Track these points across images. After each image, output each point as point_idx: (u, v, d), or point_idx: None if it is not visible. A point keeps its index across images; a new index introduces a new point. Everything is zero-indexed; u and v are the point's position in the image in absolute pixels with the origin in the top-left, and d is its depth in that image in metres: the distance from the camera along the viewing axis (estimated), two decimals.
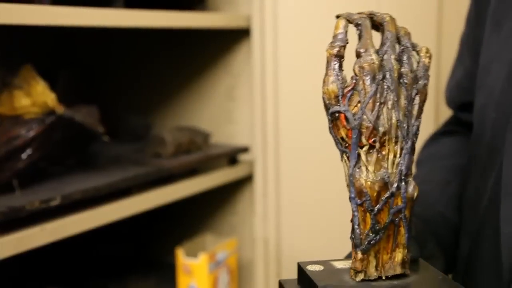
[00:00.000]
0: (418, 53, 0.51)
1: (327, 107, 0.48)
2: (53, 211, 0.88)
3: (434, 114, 1.17)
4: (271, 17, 1.21)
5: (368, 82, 0.47)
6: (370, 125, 0.47)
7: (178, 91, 1.38)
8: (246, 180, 1.30)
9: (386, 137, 0.48)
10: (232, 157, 1.26)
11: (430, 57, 0.51)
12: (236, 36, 1.27)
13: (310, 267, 0.51)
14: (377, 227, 0.48)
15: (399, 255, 0.50)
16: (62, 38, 1.43)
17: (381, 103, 0.47)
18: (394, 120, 0.48)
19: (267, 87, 1.23)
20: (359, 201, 0.48)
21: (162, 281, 1.29)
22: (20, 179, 0.91)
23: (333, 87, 0.48)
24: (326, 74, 0.48)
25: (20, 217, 0.84)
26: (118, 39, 1.39)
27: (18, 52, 1.27)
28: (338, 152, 0.49)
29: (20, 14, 0.83)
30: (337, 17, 0.51)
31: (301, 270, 0.52)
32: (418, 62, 0.51)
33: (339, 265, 0.53)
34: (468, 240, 0.66)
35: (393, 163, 0.48)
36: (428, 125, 1.17)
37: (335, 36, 0.49)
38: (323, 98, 0.48)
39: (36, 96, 0.95)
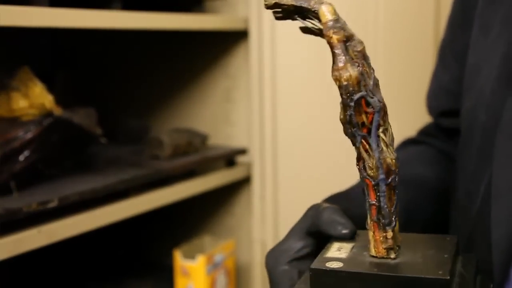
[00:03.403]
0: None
1: (350, 94, 0.46)
2: (51, 213, 0.88)
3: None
4: (269, 19, 1.21)
5: (366, 64, 0.47)
6: (383, 105, 0.47)
7: (175, 93, 1.38)
8: (244, 182, 1.30)
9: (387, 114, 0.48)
10: (229, 159, 1.26)
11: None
12: (234, 38, 1.27)
13: (330, 264, 0.49)
14: (396, 201, 0.49)
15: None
16: (60, 40, 1.43)
17: (375, 84, 0.48)
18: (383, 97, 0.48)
19: (265, 89, 1.23)
20: (388, 181, 0.48)
21: (160, 283, 1.29)
22: (18, 181, 0.90)
23: (355, 72, 0.46)
24: (340, 61, 0.46)
25: (17, 219, 0.83)
26: (116, 41, 1.39)
27: (16, 53, 1.27)
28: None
29: (18, 16, 0.83)
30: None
31: (325, 272, 0.49)
32: None
33: (344, 254, 0.51)
34: (460, 244, 0.66)
35: (391, 136, 0.49)
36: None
37: (331, 21, 0.46)
38: (345, 85, 0.46)
39: (33, 98, 0.95)
